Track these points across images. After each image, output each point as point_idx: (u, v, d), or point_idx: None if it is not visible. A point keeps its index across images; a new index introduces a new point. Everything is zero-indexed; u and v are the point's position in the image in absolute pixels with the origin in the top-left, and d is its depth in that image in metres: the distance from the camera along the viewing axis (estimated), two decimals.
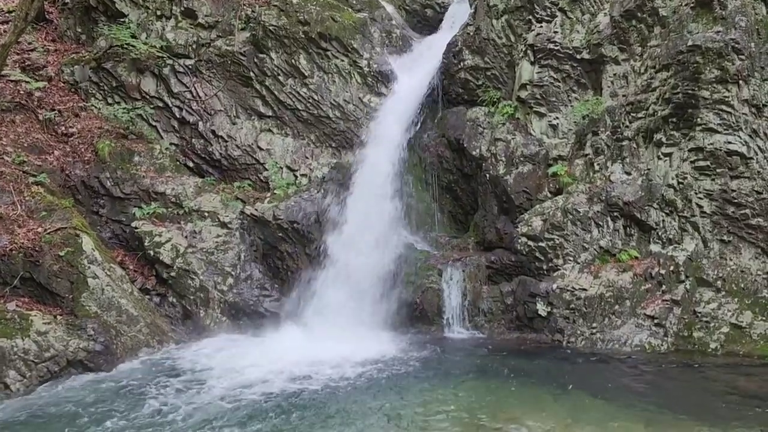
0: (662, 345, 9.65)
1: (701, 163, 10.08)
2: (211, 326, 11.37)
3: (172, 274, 11.61)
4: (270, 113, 13.51)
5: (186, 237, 12.00)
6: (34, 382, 8.72)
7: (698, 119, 9.97)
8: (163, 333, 10.74)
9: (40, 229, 10.22)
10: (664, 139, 10.39)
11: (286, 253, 12.09)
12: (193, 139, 13.51)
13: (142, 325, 10.38)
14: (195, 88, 13.43)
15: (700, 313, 9.77)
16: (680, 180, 10.25)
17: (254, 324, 11.36)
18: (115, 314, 10.10)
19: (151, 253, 11.66)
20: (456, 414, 7.19)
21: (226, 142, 13.40)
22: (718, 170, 10.00)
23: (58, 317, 9.57)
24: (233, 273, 11.89)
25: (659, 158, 10.49)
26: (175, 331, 11.13)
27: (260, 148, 13.40)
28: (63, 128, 12.62)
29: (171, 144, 13.50)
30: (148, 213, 12.06)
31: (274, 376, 8.67)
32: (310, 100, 13.33)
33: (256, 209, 12.30)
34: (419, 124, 12.91)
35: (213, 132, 13.42)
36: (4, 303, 9.36)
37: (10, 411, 7.79)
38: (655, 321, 9.84)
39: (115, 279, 10.61)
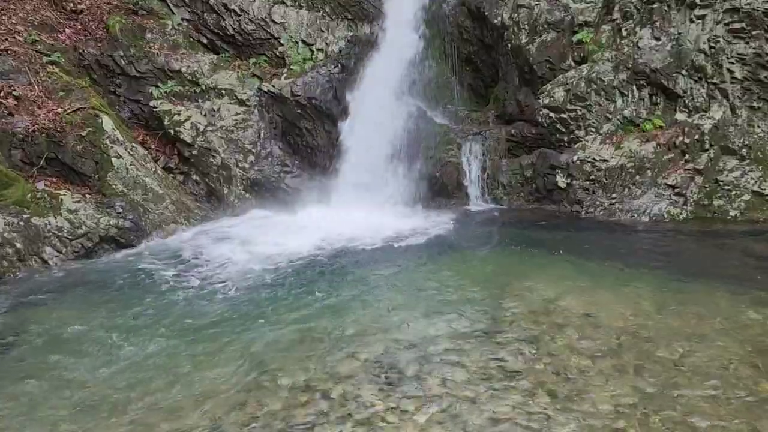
0: (681, 214, 9.67)
1: (736, 26, 9.57)
2: (235, 203, 11.63)
3: (194, 152, 11.72)
4: None
5: (205, 115, 11.98)
6: (69, 256, 9.13)
7: None
8: (189, 210, 11.02)
9: (59, 110, 10.25)
10: (698, 0, 9.82)
11: (305, 130, 12.06)
12: (205, 14, 13.10)
13: (168, 203, 10.64)
14: None
15: (722, 181, 9.68)
16: (712, 44, 9.79)
17: (277, 200, 11.57)
18: (141, 192, 10.35)
19: (172, 132, 11.71)
20: (471, 281, 7.38)
21: (239, 15, 12.98)
22: (753, 32, 9.51)
23: (87, 196, 9.84)
24: (254, 150, 11.96)
25: (691, 21, 9.96)
26: (200, 208, 11.41)
27: (274, 22, 12.99)
28: (71, 4, 12.26)
29: (183, 20, 13.11)
30: (165, 92, 11.98)
31: (299, 247, 8.95)
32: None
33: (273, 86, 12.14)
34: None
35: (225, 6, 12.97)
36: (33, 183, 9.61)
37: (48, 282, 8.23)
38: (676, 190, 9.81)
39: (138, 158, 10.76)
